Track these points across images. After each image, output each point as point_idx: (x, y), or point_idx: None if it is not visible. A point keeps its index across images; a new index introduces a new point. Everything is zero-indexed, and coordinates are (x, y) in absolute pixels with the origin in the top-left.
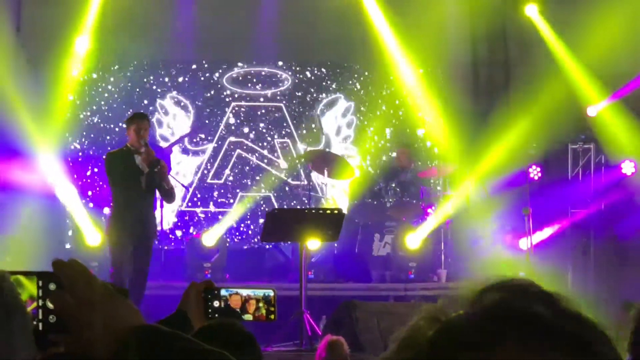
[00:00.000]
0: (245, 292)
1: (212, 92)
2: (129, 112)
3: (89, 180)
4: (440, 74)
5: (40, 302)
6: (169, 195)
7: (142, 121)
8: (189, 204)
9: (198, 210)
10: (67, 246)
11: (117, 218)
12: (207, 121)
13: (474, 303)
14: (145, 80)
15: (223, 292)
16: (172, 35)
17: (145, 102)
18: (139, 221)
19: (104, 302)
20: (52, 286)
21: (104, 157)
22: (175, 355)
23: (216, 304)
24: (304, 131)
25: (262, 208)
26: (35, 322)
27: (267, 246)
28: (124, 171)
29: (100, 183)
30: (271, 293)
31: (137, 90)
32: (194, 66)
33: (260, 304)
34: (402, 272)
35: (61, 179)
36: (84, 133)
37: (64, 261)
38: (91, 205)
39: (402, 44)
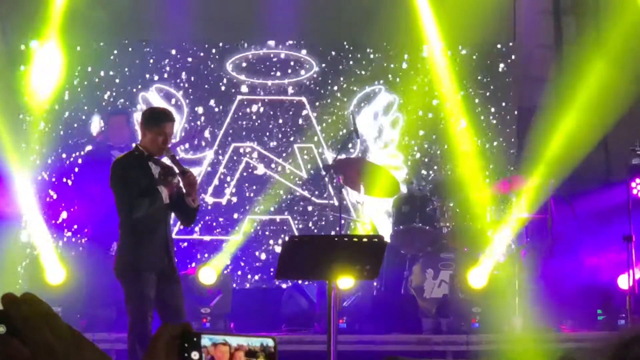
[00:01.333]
0: (235, 341)
1: (212, 82)
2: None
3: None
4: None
5: None
6: (192, 217)
7: (168, 125)
8: (181, 229)
9: (193, 237)
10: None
11: (134, 248)
12: (204, 120)
13: (618, 358)
14: (121, 65)
15: (205, 341)
16: (156, 6)
17: (122, 95)
18: (165, 251)
19: (68, 352)
20: (1, 329)
21: (113, 163)
22: None
23: (195, 356)
24: (333, 133)
25: (277, 235)
26: None
27: (285, 285)
28: (143, 183)
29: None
30: (271, 343)
31: (115, 79)
32: (186, 47)
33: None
34: (463, 320)
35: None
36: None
37: (16, 296)
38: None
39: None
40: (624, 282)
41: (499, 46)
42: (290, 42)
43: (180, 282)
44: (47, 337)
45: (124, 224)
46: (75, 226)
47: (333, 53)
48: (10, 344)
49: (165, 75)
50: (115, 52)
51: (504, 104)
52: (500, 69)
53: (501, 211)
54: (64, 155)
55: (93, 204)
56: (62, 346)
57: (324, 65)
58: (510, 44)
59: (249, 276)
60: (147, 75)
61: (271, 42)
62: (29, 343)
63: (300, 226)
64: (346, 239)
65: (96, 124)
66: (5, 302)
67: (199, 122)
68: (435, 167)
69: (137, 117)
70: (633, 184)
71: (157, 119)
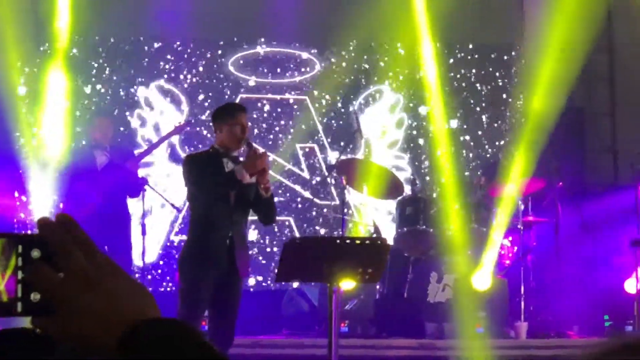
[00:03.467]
0: None
1: (214, 81)
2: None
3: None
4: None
5: (20, 275)
6: (272, 210)
7: (242, 115)
8: (179, 232)
9: None
10: None
11: (195, 244)
12: (205, 118)
13: None
14: (120, 62)
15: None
16: (159, 3)
17: (122, 92)
18: (226, 250)
19: (104, 280)
20: (35, 253)
21: (184, 159)
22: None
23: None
24: (336, 133)
25: (277, 236)
26: (11, 301)
27: (285, 288)
28: (212, 180)
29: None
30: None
31: (113, 77)
32: (189, 45)
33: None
34: (467, 325)
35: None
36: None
37: (52, 220)
38: None
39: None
40: (631, 286)
41: (505, 48)
42: (293, 41)
43: (239, 284)
44: (81, 263)
45: (191, 217)
46: None
47: (337, 52)
48: (42, 269)
49: (166, 74)
50: (115, 48)
51: (509, 106)
52: (507, 70)
53: (507, 214)
54: None
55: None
56: (96, 272)
57: (327, 64)
58: (517, 46)
59: (250, 278)
60: (147, 73)
61: (274, 41)
62: (62, 268)
63: (302, 227)
64: (348, 241)
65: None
66: (41, 226)
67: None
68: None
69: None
70: None
71: (230, 110)
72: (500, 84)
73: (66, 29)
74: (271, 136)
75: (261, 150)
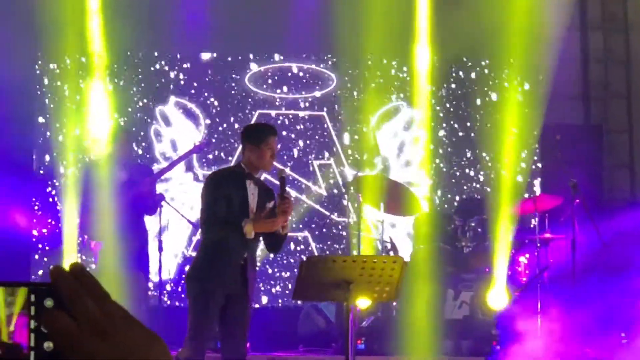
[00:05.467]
0: None
1: (231, 97)
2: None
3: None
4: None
5: (33, 324)
6: (279, 244)
7: (273, 139)
8: (195, 248)
9: None
10: None
11: (206, 263)
12: (222, 135)
13: None
14: (139, 78)
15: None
16: (174, 19)
17: (139, 107)
18: (240, 274)
19: (117, 329)
20: (48, 302)
21: (208, 176)
22: None
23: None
24: (353, 150)
25: (295, 253)
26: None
27: (302, 305)
28: (233, 200)
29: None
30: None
31: (130, 91)
32: (205, 61)
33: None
34: (484, 342)
35: None
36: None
37: (65, 269)
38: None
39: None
40: None
41: (524, 63)
42: (311, 56)
43: (248, 307)
44: (94, 312)
45: (202, 237)
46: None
47: (355, 68)
48: (57, 318)
49: (184, 90)
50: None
51: (527, 122)
52: (525, 86)
53: (524, 231)
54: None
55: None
56: (108, 321)
57: (345, 80)
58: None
59: (266, 295)
60: (165, 89)
61: (291, 57)
62: (75, 317)
63: (319, 244)
64: (365, 259)
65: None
66: (53, 275)
67: (221, 135)
68: (459, 187)
69: (152, 131)
70: None
71: (262, 133)
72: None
73: (94, 44)
74: (288, 152)
75: (292, 197)
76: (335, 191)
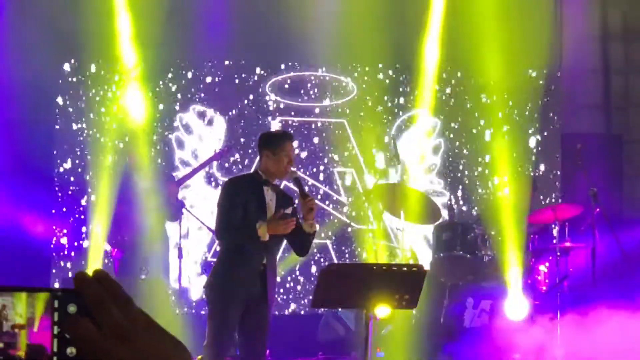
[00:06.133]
0: None
1: (251, 104)
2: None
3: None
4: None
5: (56, 330)
6: (307, 244)
7: (290, 145)
8: (217, 250)
9: None
10: None
11: (224, 271)
12: (242, 141)
13: None
14: (159, 85)
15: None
16: (195, 26)
17: (159, 115)
18: (260, 279)
19: (141, 335)
20: (71, 308)
21: (224, 182)
22: None
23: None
24: (374, 157)
25: (315, 260)
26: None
27: (321, 312)
28: (249, 207)
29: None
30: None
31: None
32: (226, 69)
33: None
34: (503, 351)
35: None
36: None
37: (88, 275)
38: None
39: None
40: None
41: (545, 72)
42: (330, 65)
43: (267, 313)
44: (117, 318)
45: (219, 244)
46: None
47: (374, 75)
48: (80, 324)
49: (204, 97)
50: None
51: (548, 131)
52: (545, 95)
53: (543, 240)
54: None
55: (123, 227)
56: (132, 327)
57: (364, 87)
58: (557, 71)
59: (285, 302)
60: (186, 97)
61: (311, 65)
62: (99, 323)
63: (339, 252)
64: (384, 267)
65: None
66: (77, 281)
67: (242, 142)
68: (481, 191)
69: (173, 138)
70: None
71: (278, 139)
72: (536, 108)
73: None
74: (309, 160)
75: (308, 194)
76: (355, 199)
